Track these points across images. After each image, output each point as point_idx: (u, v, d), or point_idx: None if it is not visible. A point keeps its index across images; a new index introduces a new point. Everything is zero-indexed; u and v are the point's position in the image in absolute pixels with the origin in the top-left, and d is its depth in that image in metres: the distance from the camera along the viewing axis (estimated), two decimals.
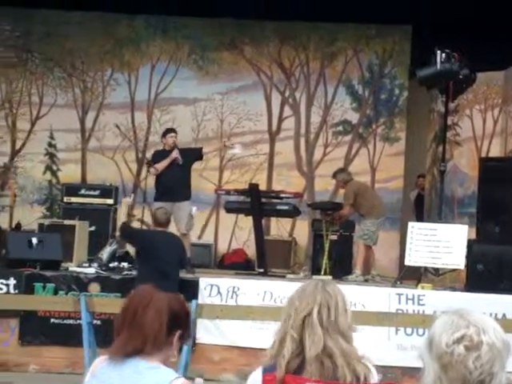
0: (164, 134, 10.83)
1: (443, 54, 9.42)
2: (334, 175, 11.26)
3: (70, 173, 13.43)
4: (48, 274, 9.21)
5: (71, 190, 11.78)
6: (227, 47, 13.69)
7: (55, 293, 9.09)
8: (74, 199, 11.58)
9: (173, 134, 10.66)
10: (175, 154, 10.40)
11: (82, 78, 13.70)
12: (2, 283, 9.08)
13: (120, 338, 2.89)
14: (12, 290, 9.09)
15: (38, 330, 9.00)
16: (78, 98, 13.69)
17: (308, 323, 2.86)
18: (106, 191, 11.56)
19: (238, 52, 13.72)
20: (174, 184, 10.37)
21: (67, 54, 13.60)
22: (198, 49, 13.70)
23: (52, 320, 9.06)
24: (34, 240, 9.54)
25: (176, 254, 8.66)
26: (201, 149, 11.08)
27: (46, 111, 13.57)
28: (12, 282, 9.10)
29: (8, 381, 8.26)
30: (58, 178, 13.45)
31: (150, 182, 11.78)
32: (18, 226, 11.94)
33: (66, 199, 11.69)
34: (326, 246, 10.76)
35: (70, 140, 13.58)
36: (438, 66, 9.45)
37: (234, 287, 9.14)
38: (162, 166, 10.40)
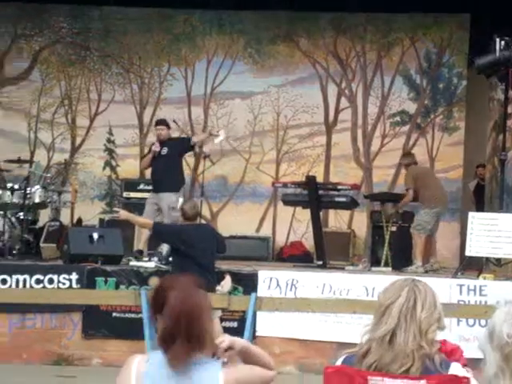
0: (155, 126, 10.93)
1: (502, 42, 9.27)
2: (400, 159, 11.31)
3: (128, 168, 13.56)
4: (109, 268, 9.32)
5: (130, 185, 11.90)
6: (282, 40, 13.68)
7: (116, 287, 9.20)
8: (132, 194, 11.71)
9: (159, 127, 10.65)
10: (154, 146, 10.48)
11: (140, 73, 13.82)
12: (64, 278, 9.22)
13: (179, 345, 2.88)
14: (74, 285, 9.22)
15: (101, 323, 9.12)
16: (136, 94, 13.81)
17: (387, 312, 2.84)
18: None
19: (294, 44, 13.69)
20: (157, 175, 10.50)
21: (125, 50, 13.73)
22: (253, 42, 13.71)
23: (114, 314, 9.16)
24: (95, 235, 9.67)
25: (209, 244, 8.59)
26: (189, 139, 10.86)
27: (105, 107, 13.72)
28: (74, 276, 9.23)
29: (72, 375, 8.39)
30: (117, 174, 13.60)
31: (207, 176, 11.85)
32: (79, 221, 12.12)
33: (125, 194, 11.82)
34: (386, 237, 10.69)
35: (128, 135, 13.71)
36: (497, 54, 9.31)
37: (292, 280, 9.14)
38: (145, 160, 10.79)
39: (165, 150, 10.39)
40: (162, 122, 10.81)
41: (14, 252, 10.18)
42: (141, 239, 10.40)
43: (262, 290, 9.01)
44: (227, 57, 13.75)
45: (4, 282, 9.12)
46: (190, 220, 8.66)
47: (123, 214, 9.05)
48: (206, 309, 2.98)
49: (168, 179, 10.32)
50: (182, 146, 10.62)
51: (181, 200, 9.98)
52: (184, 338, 2.88)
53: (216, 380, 2.88)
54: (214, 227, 9.62)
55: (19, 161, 11.01)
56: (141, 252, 10.20)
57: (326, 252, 10.57)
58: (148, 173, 13.30)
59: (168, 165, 10.35)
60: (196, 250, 8.32)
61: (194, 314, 2.90)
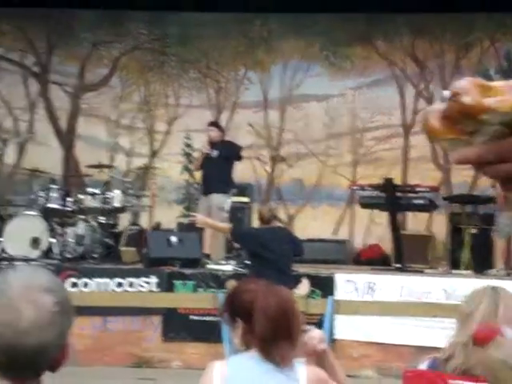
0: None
1: None
2: None
3: None
4: (187, 271, 9.41)
5: None
6: (359, 42, 13.62)
7: (194, 290, 9.29)
8: None
9: (210, 128, 10.82)
10: (204, 149, 10.61)
11: (216, 78, 13.94)
12: (144, 281, 9.35)
13: (283, 344, 2.92)
14: (154, 288, 9.34)
15: (180, 326, 9.21)
16: (213, 98, 13.93)
17: (470, 318, 2.83)
18: (242, 189, 11.72)
19: (371, 46, 13.62)
20: (207, 177, 10.65)
21: (202, 55, 13.87)
22: (329, 45, 13.69)
23: (192, 317, 9.25)
24: (174, 239, 9.78)
25: (286, 247, 8.57)
26: (240, 148, 10.92)
27: (182, 112, 13.87)
28: (154, 280, 9.35)
29: (152, 377, 8.50)
30: (195, 178, 13.72)
31: (284, 179, 11.87)
32: (158, 225, 12.29)
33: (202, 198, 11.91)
34: (467, 239, 10.53)
35: (205, 140, 13.81)
36: None
37: (370, 283, 9.08)
38: (196, 162, 11.02)
39: (215, 153, 10.51)
40: (212, 124, 11.05)
41: (95, 256, 10.37)
42: (205, 243, 10.46)
43: (340, 293, 8.98)
44: (303, 60, 13.75)
45: (86, 285, 9.30)
46: (266, 223, 8.67)
47: (200, 218, 9.12)
48: (297, 306, 3.06)
49: (217, 181, 10.44)
50: (233, 151, 10.70)
51: (229, 201, 10.06)
52: (287, 337, 2.93)
53: (299, 379, 2.91)
54: (291, 230, 9.62)
55: (99, 166, 11.21)
56: (207, 256, 10.26)
57: (404, 255, 10.47)
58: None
59: (218, 167, 10.47)
60: (273, 254, 8.32)
61: (291, 312, 2.95)
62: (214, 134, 10.71)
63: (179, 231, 10.86)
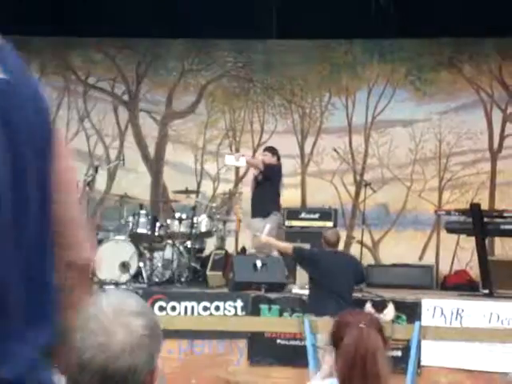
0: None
1: None
2: None
3: (290, 197, 13.71)
4: (273, 296, 9.46)
5: (292, 213, 12.04)
6: (445, 67, 13.52)
7: (280, 314, 9.33)
8: (294, 223, 11.83)
9: (264, 153, 11.07)
10: (254, 172, 10.87)
11: (301, 104, 14.02)
12: (230, 305, 9.44)
13: None
14: (239, 312, 9.43)
15: (266, 350, 9.25)
16: (297, 124, 14.01)
17: None
18: (326, 214, 11.73)
19: (457, 71, 13.50)
20: (251, 201, 10.87)
21: (287, 81, 13.98)
22: (414, 70, 13.63)
23: (278, 341, 9.29)
24: (259, 263, 9.86)
25: (346, 272, 8.53)
26: (277, 167, 11.00)
27: (267, 138, 13.98)
28: (239, 304, 9.44)
29: None
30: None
31: (368, 205, 11.83)
32: (244, 249, 12.38)
33: (287, 223, 11.97)
34: None
35: (290, 165, 13.89)
36: None
37: (458, 309, 8.97)
38: (251, 186, 11.14)
39: (260, 176, 10.62)
40: (266, 149, 11.23)
41: (182, 280, 10.53)
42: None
43: (426, 318, 8.89)
44: (388, 85, 13.72)
45: (173, 309, 9.45)
46: (332, 246, 8.72)
47: (264, 238, 9.22)
48: (381, 350, 3.01)
49: (258, 205, 10.62)
50: (271, 172, 10.78)
51: (268, 226, 10.11)
52: (360, 380, 2.92)
53: None
54: (355, 257, 9.60)
55: (187, 191, 11.39)
56: (293, 280, 10.30)
57: (492, 280, 10.30)
58: (310, 202, 13.51)
59: (261, 191, 10.66)
60: (331, 278, 8.32)
61: (369, 357, 2.94)
62: (267, 159, 10.84)
63: (264, 256, 10.91)
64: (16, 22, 12.60)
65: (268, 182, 10.70)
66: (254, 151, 13.97)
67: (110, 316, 1.63)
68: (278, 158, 11.12)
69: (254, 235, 10.36)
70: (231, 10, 12.34)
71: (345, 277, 8.42)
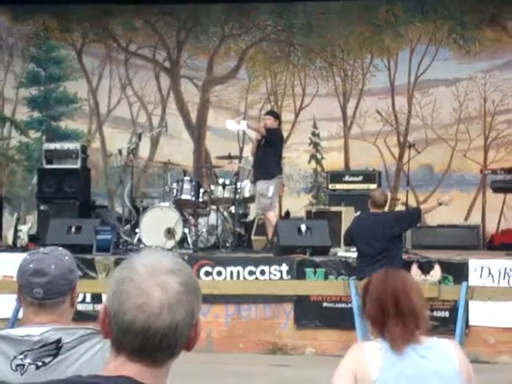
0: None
1: None
2: None
3: (333, 160, 13.69)
4: (318, 259, 9.48)
5: (335, 176, 12.02)
6: (488, 24, 13.29)
7: (325, 278, 9.35)
8: (338, 186, 11.82)
9: (267, 117, 11.06)
10: (257, 136, 10.79)
11: (343, 66, 13.91)
12: (275, 269, 9.48)
13: (393, 328, 2.91)
14: (285, 276, 9.46)
15: (312, 313, 9.30)
16: (339, 87, 13.91)
17: None
18: (369, 176, 11.69)
19: (500, 28, 13.27)
20: (254, 164, 10.88)
21: (327, 43, 13.87)
22: (457, 28, 13.42)
23: (324, 304, 9.32)
24: (303, 227, 9.87)
25: (389, 232, 8.50)
26: (279, 131, 11.04)
27: (309, 101, 13.92)
28: (284, 268, 9.47)
29: (286, 363, 8.62)
30: (323, 166, 13.76)
31: (412, 165, 11.74)
32: (287, 214, 12.40)
33: (330, 186, 11.95)
34: None
35: (332, 128, 13.84)
36: None
37: (505, 268, 8.91)
38: (251, 149, 11.09)
39: (262, 141, 10.59)
40: (269, 113, 11.32)
41: (227, 245, 10.59)
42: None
43: (474, 279, 8.84)
44: (431, 44, 13.53)
45: (219, 274, 9.52)
46: (378, 208, 8.72)
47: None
48: (412, 285, 3.01)
49: (261, 167, 10.57)
50: (273, 136, 10.74)
51: (272, 188, 10.13)
52: (396, 318, 2.92)
53: (451, 360, 2.89)
54: (391, 211, 9.65)
55: (229, 157, 11.41)
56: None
57: None
58: (353, 164, 13.46)
59: (263, 154, 10.60)
60: (366, 243, 8.39)
61: (400, 292, 2.94)
62: (270, 122, 10.83)
63: (308, 219, 10.93)
64: None
65: (270, 145, 10.69)
66: (296, 115, 13.93)
67: (144, 276, 1.64)
68: (280, 122, 11.15)
69: (261, 195, 10.43)
70: None
71: (382, 238, 8.43)
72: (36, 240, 10.78)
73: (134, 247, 10.26)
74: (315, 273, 9.39)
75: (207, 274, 9.48)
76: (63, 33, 14.21)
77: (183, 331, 1.64)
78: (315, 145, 13.87)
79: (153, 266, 1.66)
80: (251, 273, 9.52)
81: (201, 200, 10.77)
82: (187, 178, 10.94)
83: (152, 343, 1.62)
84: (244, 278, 9.48)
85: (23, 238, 10.73)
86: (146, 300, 1.61)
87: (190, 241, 10.39)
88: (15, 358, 2.43)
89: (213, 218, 10.76)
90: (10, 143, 14.27)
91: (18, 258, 2.90)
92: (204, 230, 10.73)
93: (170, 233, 10.15)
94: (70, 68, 14.31)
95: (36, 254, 2.63)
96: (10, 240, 10.75)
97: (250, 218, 11.51)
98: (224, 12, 14.09)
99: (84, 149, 12.11)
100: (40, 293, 2.53)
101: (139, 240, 10.28)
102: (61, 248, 2.72)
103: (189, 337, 1.66)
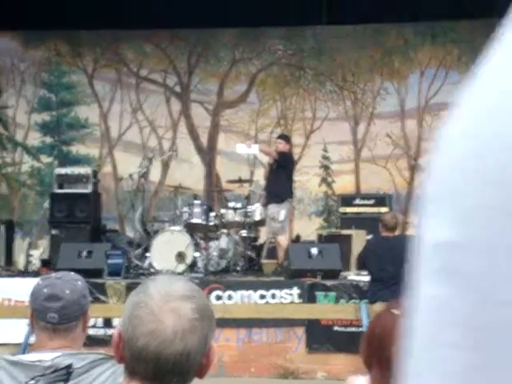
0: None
1: None
2: None
3: (344, 183, 13.70)
4: (329, 283, 9.45)
5: (346, 200, 12.01)
6: None
7: (336, 301, 9.31)
8: (348, 209, 11.80)
9: (278, 141, 11.14)
10: (268, 160, 10.94)
11: (353, 89, 13.95)
12: (286, 293, 9.45)
13: (375, 371, 2.85)
14: (296, 300, 9.44)
15: (323, 337, 9.26)
16: (349, 110, 13.94)
17: None
18: (380, 200, 11.68)
19: None
20: (266, 188, 10.98)
21: (338, 67, 13.92)
22: (468, 51, 13.45)
23: (335, 328, 9.28)
24: (314, 250, 9.85)
25: (400, 255, 8.40)
26: (289, 154, 11.13)
27: (319, 125, 13.95)
28: (296, 291, 9.45)
29: None
30: (333, 190, 13.77)
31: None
32: (298, 237, 12.39)
33: (341, 209, 11.94)
34: None
35: (342, 151, 13.86)
36: None
37: None
38: (264, 174, 11.27)
39: (275, 165, 10.63)
40: (280, 137, 11.39)
41: (238, 269, 10.57)
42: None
43: None
44: (441, 67, 13.58)
45: (230, 297, 9.50)
46: (390, 231, 8.68)
47: None
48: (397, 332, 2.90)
49: (273, 191, 10.62)
50: (285, 159, 10.81)
51: (283, 212, 10.13)
52: (376, 363, 2.86)
53: None
54: (410, 235, 9.55)
55: (240, 181, 11.43)
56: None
57: None
58: (364, 188, 13.46)
59: (274, 177, 10.67)
60: (381, 266, 8.32)
61: (383, 337, 2.85)
62: (282, 146, 10.87)
63: (319, 243, 10.91)
64: (68, 16, 12.78)
65: (282, 169, 10.73)
66: (307, 138, 13.95)
67: (158, 302, 1.64)
68: (291, 146, 11.23)
69: (272, 219, 10.48)
70: None
71: (398, 262, 8.36)
72: (48, 265, 10.79)
73: (145, 271, 10.26)
74: (326, 296, 9.36)
75: (218, 297, 9.47)
76: (74, 58, 14.32)
77: (196, 358, 1.64)
78: (325, 168, 13.89)
79: (167, 291, 1.66)
80: (262, 296, 9.50)
81: (211, 224, 10.78)
82: (198, 202, 10.96)
83: (164, 369, 1.61)
84: (255, 302, 9.46)
85: (35, 262, 10.75)
86: (158, 326, 1.61)
87: (200, 264, 10.38)
88: (26, 383, 2.43)
89: (223, 242, 10.76)
90: (21, 168, 14.33)
91: (29, 283, 2.91)
92: (215, 253, 10.72)
93: (180, 256, 10.15)
94: (81, 93, 14.41)
95: (49, 278, 2.64)
96: (21, 265, 10.78)
97: (261, 241, 11.50)
98: (235, 36, 14.16)
99: (95, 173, 12.15)
100: (55, 317, 2.54)
101: (150, 264, 10.29)
102: (72, 273, 2.73)
103: (201, 364, 1.66)
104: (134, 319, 1.63)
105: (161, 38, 14.20)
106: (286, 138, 11.36)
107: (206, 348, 1.66)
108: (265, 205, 10.79)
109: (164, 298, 1.64)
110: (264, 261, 11.05)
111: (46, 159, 14.29)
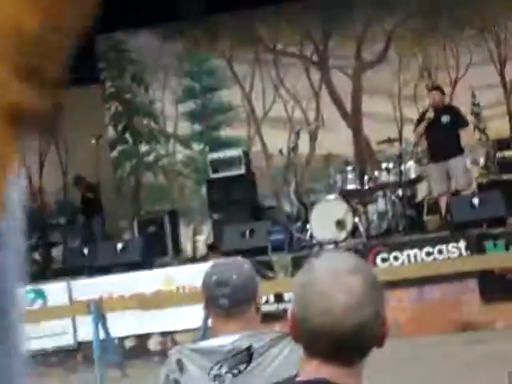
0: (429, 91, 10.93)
1: None
2: None
3: (497, 128, 13.28)
4: (496, 231, 9.23)
5: (503, 144, 11.69)
6: None
7: (506, 249, 9.08)
8: (507, 153, 11.46)
9: (434, 92, 10.68)
10: (428, 113, 10.38)
11: (495, 30, 13.46)
12: (453, 247, 9.31)
13: None
14: (464, 253, 9.28)
15: (497, 287, 9.06)
16: (494, 52, 13.47)
17: None
18: None
19: None
20: (436, 143, 10.34)
21: (475, 9, 13.42)
22: None
23: (509, 276, 9.06)
24: (476, 201, 9.64)
25: None
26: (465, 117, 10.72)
27: (464, 72, 13.57)
28: (462, 244, 9.29)
29: (477, 339, 8.42)
30: (487, 135, 13.36)
31: None
32: (457, 190, 12.14)
33: (498, 154, 11.61)
34: None
35: (492, 95, 13.42)
36: None
37: None
38: (419, 129, 10.57)
39: (445, 118, 10.17)
40: (436, 88, 10.97)
41: (400, 229, 10.49)
42: None
43: None
44: None
45: (396, 258, 9.45)
46: None
47: None
48: None
49: (454, 145, 10.27)
50: (462, 118, 10.54)
51: (468, 162, 9.77)
52: None
53: None
54: None
55: (389, 140, 11.30)
56: None
57: None
58: None
59: (449, 133, 10.24)
60: None
61: None
62: (439, 97, 10.50)
63: (480, 192, 10.65)
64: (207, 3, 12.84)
65: (456, 124, 10.45)
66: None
67: (327, 279, 1.65)
68: (444, 95, 11.02)
69: (463, 172, 10.28)
70: None
71: None
72: (214, 248, 11.09)
73: (308, 243, 10.36)
74: (495, 245, 9.14)
75: (384, 260, 9.44)
76: (212, 44, 14.54)
77: (372, 330, 1.65)
78: (476, 115, 13.49)
79: (333, 268, 1.67)
80: (429, 253, 9.39)
81: (366, 187, 10.73)
82: (350, 168, 10.93)
83: (341, 345, 1.63)
84: (422, 260, 9.37)
85: (201, 248, 11.07)
86: (330, 304, 1.62)
87: (361, 230, 10.37)
88: (212, 368, 2.52)
89: (381, 204, 10.70)
90: (176, 158, 14.75)
91: (199, 268, 3.01)
92: (374, 217, 10.68)
93: (340, 224, 10.17)
94: (222, 77, 14.63)
95: (216, 266, 2.73)
96: (189, 252, 11.13)
97: (419, 198, 11.34)
98: None
99: (246, 154, 12.35)
100: (226, 303, 2.62)
101: (311, 235, 10.37)
102: (239, 257, 2.81)
103: (378, 335, 1.67)
104: (305, 300, 1.65)
105: (292, 10, 14.15)
106: (440, 88, 11.07)
107: (380, 318, 1.66)
108: (438, 160, 10.47)
109: (331, 274, 1.66)
110: (426, 218, 10.91)
111: (197, 146, 14.64)
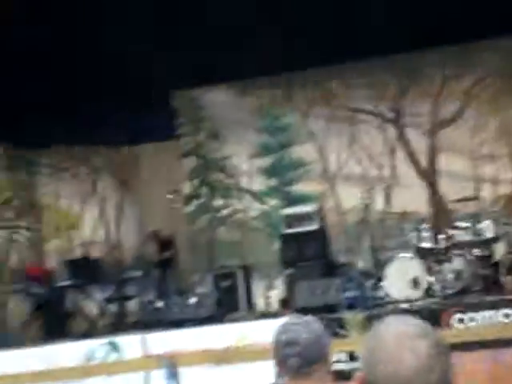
0: None
1: None
2: None
3: None
4: None
5: None
6: None
7: None
8: None
9: None
10: None
11: None
12: None
13: None
14: None
15: None
16: None
17: None
18: None
19: None
20: None
21: None
22: None
23: None
24: None
25: None
26: None
27: None
28: None
29: None
30: None
31: None
32: None
33: None
34: None
35: None
36: None
37: None
38: None
39: None
40: None
41: (476, 289, 10.29)
42: None
43: None
44: None
45: (472, 319, 9.26)
46: None
47: None
48: None
49: None
50: None
51: None
52: None
53: None
54: None
55: (465, 199, 11.17)
56: None
57: None
58: None
59: None
60: None
61: None
62: None
63: None
64: (284, 61, 12.90)
65: None
66: None
67: (393, 344, 1.65)
68: None
69: None
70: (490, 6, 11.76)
71: None
72: (286, 304, 11.06)
73: (381, 301, 10.24)
74: None
75: (460, 321, 9.26)
76: (287, 100, 14.68)
77: None
78: None
79: (400, 332, 1.67)
80: (507, 315, 9.17)
81: (441, 246, 10.60)
82: (425, 226, 10.83)
83: None
84: (499, 321, 9.16)
85: (273, 303, 11.05)
86: (398, 367, 1.62)
87: (436, 289, 10.21)
88: None
89: (457, 263, 10.52)
90: (250, 213, 14.83)
91: (271, 324, 3.02)
92: (449, 276, 10.51)
93: (415, 282, 10.05)
94: (297, 133, 14.73)
95: (286, 325, 2.74)
96: (262, 307, 11.11)
97: (496, 258, 11.13)
98: (441, 55, 13.84)
99: (320, 210, 12.35)
100: (296, 362, 2.62)
101: (386, 293, 10.25)
102: (309, 316, 2.82)
103: None
104: (372, 363, 1.65)
105: (368, 68, 14.19)
106: None
107: (449, 382, 1.65)
108: None
109: (398, 339, 1.66)
110: (504, 278, 10.68)
111: (271, 202, 14.71)
